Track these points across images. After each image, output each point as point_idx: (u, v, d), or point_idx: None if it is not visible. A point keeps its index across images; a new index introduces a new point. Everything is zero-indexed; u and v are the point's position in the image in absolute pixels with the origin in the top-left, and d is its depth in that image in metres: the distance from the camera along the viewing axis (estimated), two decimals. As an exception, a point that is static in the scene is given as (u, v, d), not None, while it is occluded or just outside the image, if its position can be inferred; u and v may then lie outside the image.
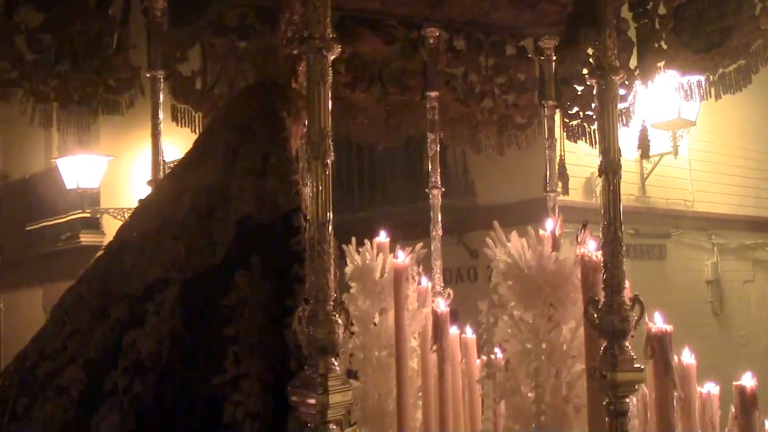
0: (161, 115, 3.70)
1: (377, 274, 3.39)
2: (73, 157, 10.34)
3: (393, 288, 3.22)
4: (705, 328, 9.24)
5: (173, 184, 2.92)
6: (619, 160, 2.30)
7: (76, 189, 10.36)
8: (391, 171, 9.94)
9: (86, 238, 11.54)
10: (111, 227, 10.84)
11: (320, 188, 1.97)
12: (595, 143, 4.28)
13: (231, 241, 2.64)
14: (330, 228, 1.97)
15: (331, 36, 2.01)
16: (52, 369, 2.59)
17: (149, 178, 3.69)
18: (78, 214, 11.47)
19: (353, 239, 3.48)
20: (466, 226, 8.16)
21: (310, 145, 1.98)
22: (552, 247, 2.61)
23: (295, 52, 2.80)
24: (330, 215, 1.98)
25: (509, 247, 2.66)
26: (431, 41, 4.27)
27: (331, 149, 1.98)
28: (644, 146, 3.95)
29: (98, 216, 11.39)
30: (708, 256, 10.09)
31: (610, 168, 2.30)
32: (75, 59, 3.55)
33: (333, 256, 1.99)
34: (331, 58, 2.02)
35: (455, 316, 3.41)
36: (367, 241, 3.45)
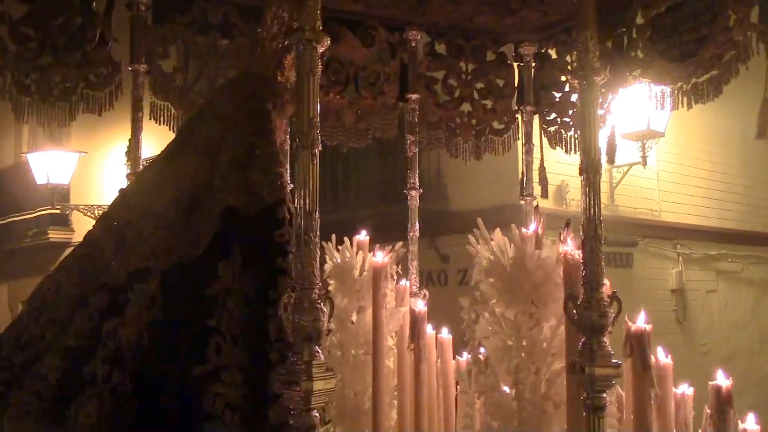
0: (141, 110, 3.71)
1: (356, 272, 3.40)
2: (44, 153, 10.22)
3: (371, 286, 3.23)
4: (669, 336, 9.36)
5: (155, 174, 2.90)
6: (600, 160, 2.35)
7: (46, 185, 10.24)
8: (365, 174, 9.96)
9: (54, 235, 11.39)
10: (80, 224, 10.72)
11: (308, 177, 1.99)
12: (572, 149, 4.36)
13: (214, 232, 2.62)
14: (317, 217, 1.99)
15: (321, 28, 2.03)
16: (29, 357, 2.56)
17: (126, 172, 3.67)
18: (47, 210, 11.33)
19: (333, 237, 3.49)
20: (438, 230, 8.19)
21: (299, 134, 1.99)
22: (534, 245, 2.65)
23: (282, 44, 2.81)
24: (317, 205, 2.00)
25: (492, 245, 2.69)
26: (413, 44, 4.31)
27: (319, 139, 2.00)
28: (611, 151, 4.00)
29: (68, 212, 11.25)
30: (673, 265, 10.24)
31: (590, 167, 2.34)
32: (57, 52, 3.52)
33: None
34: (321, 50, 2.05)
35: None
36: (346, 240, 3.46)
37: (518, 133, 4.57)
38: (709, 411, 2.57)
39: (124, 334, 2.53)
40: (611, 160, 4.10)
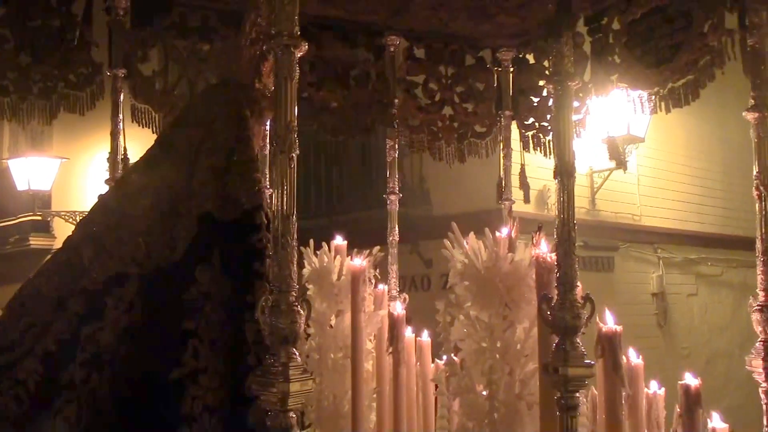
0: (121, 115, 3.71)
1: (334, 277, 3.42)
2: (25, 159, 10.17)
3: (350, 290, 3.26)
4: (650, 339, 9.43)
5: (134, 179, 2.92)
6: (574, 164, 2.38)
7: (28, 191, 10.18)
8: (347, 178, 9.98)
9: (36, 241, 11.31)
10: (62, 230, 10.66)
11: (285, 181, 2.01)
12: (550, 154, 4.39)
13: (192, 237, 2.65)
14: (294, 220, 2.01)
15: (298, 33, 2.06)
16: (7, 361, 2.56)
17: (106, 177, 3.68)
18: (28, 217, 11.26)
19: (311, 242, 3.51)
20: (421, 234, 8.22)
21: (277, 139, 2.02)
22: (508, 249, 2.68)
23: (259, 51, 2.84)
24: (294, 208, 2.02)
25: (466, 248, 2.73)
26: (392, 49, 4.34)
27: (297, 144, 2.03)
28: (616, 157, 4.06)
29: (49, 219, 11.18)
30: (654, 269, 10.30)
31: (564, 171, 2.38)
32: (35, 53, 3.53)
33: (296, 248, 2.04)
34: (299, 55, 2.08)
35: (409, 322, 3.46)
36: (324, 244, 3.49)
37: (500, 136, 4.60)
38: (679, 410, 2.61)
39: (102, 338, 2.55)
40: (621, 165, 4.15)
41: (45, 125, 3.78)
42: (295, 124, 2.04)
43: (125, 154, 3.63)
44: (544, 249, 2.57)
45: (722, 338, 10.72)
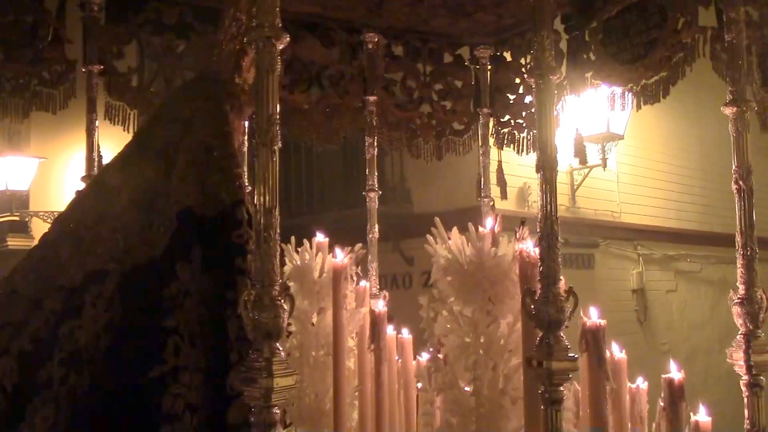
0: (96, 112, 3.67)
1: (316, 274, 3.40)
2: (2, 158, 10.04)
3: (332, 287, 3.24)
4: (630, 335, 9.47)
5: (112, 176, 2.87)
6: (556, 157, 2.37)
7: (5, 191, 10.05)
8: (328, 177, 9.96)
9: (13, 242, 11.14)
10: (40, 231, 10.48)
11: (267, 175, 1.99)
12: (524, 151, 4.43)
13: (172, 234, 2.61)
14: (277, 214, 1.99)
15: (280, 25, 2.04)
16: None
17: (83, 174, 3.64)
18: (6, 217, 11.13)
19: (293, 239, 3.49)
20: (402, 233, 8.22)
21: (259, 132, 2.00)
22: (491, 244, 2.68)
23: (239, 46, 2.82)
24: (277, 202, 2.00)
25: (450, 243, 2.72)
26: (370, 46, 4.33)
27: (279, 136, 2.01)
28: (580, 154, 4.09)
29: (27, 219, 11.05)
30: (633, 265, 10.36)
31: (547, 164, 2.36)
32: (8, 49, 3.48)
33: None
34: (280, 47, 2.06)
35: (390, 320, 3.45)
36: (306, 241, 3.47)
37: (477, 134, 4.62)
38: (662, 404, 2.61)
39: (81, 336, 2.51)
40: (583, 161, 4.19)
41: (22, 124, 3.74)
42: (277, 117, 2.02)
43: (98, 151, 3.59)
44: (529, 244, 2.56)
45: (702, 334, 10.80)
